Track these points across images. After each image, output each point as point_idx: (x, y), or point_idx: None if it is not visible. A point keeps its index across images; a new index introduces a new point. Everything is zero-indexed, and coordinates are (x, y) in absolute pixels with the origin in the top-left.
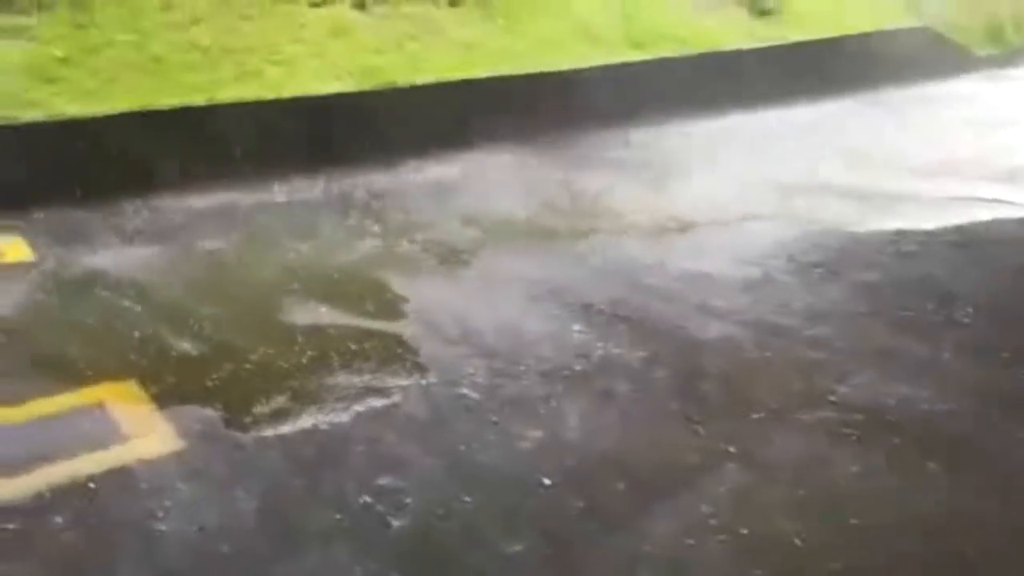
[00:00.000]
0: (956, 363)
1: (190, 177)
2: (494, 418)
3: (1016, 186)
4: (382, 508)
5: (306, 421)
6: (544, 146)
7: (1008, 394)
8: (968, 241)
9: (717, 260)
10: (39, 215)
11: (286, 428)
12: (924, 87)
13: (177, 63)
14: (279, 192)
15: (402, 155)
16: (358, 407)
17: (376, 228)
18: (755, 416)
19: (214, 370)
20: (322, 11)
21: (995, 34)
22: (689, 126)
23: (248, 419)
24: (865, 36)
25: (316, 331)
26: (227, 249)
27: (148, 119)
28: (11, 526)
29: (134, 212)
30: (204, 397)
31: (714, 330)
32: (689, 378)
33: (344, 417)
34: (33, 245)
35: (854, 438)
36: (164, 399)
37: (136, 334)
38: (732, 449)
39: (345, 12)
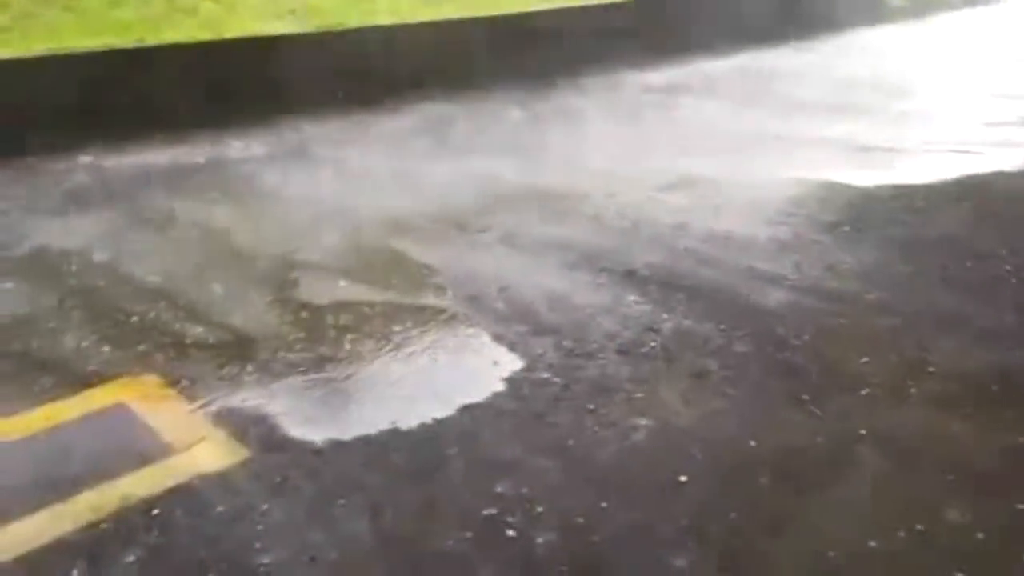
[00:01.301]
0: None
1: (123, 131)
2: (590, 405)
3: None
4: (514, 521)
5: (380, 419)
6: (513, 94)
7: None
8: (968, 195)
9: (737, 219)
10: None
11: (362, 429)
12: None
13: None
14: (230, 147)
15: (361, 103)
16: (432, 400)
17: (361, 186)
18: (864, 392)
19: (243, 359)
20: None
21: None
22: (652, 72)
23: (311, 419)
24: None
25: (344, 309)
26: (197, 213)
27: (68, 63)
28: (75, 572)
29: (66, 172)
30: (247, 392)
31: (775, 297)
32: (776, 352)
33: (423, 413)
34: None
35: (969, 410)
36: (197, 396)
37: (133, 319)
38: (862, 431)
39: None
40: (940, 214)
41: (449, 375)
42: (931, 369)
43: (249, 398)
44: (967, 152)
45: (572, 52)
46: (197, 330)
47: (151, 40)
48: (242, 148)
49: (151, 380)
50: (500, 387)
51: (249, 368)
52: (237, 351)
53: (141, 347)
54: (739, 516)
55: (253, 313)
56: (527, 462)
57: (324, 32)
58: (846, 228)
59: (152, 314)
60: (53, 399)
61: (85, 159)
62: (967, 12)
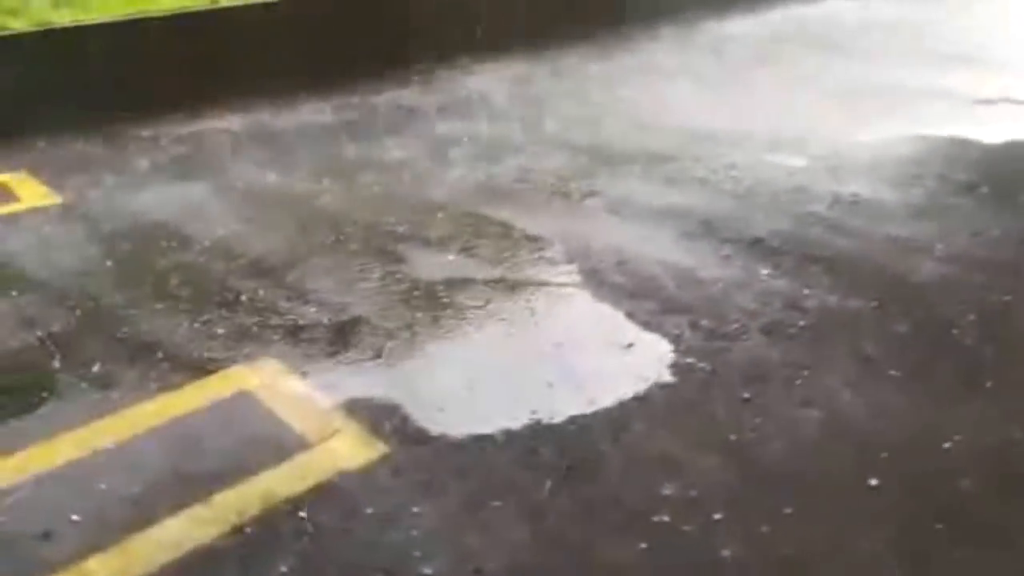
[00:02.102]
0: None
1: (206, 95)
2: (744, 394)
3: None
4: (691, 530)
5: (518, 410)
6: (592, 48)
7: None
8: None
9: (862, 181)
10: (38, 142)
11: (502, 421)
12: None
13: None
14: (310, 110)
15: (437, 62)
16: (571, 387)
17: (456, 152)
18: None
19: (360, 342)
20: None
21: None
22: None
23: (444, 409)
24: None
25: (459, 286)
26: (287, 182)
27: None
28: None
29: (151, 139)
30: (371, 379)
31: (925, 270)
32: (942, 333)
33: (564, 403)
34: (47, 182)
35: None
36: (321, 384)
37: (243, 297)
38: None
39: None
40: None
41: (584, 359)
42: None
43: (375, 385)
44: None
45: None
46: (309, 310)
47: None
48: (319, 111)
49: (271, 366)
50: (643, 372)
51: (369, 352)
52: (354, 334)
53: (254, 330)
54: (949, 529)
55: (364, 292)
56: (689, 459)
57: None
58: (984, 190)
59: (260, 293)
60: (171, 387)
61: (168, 127)
62: None
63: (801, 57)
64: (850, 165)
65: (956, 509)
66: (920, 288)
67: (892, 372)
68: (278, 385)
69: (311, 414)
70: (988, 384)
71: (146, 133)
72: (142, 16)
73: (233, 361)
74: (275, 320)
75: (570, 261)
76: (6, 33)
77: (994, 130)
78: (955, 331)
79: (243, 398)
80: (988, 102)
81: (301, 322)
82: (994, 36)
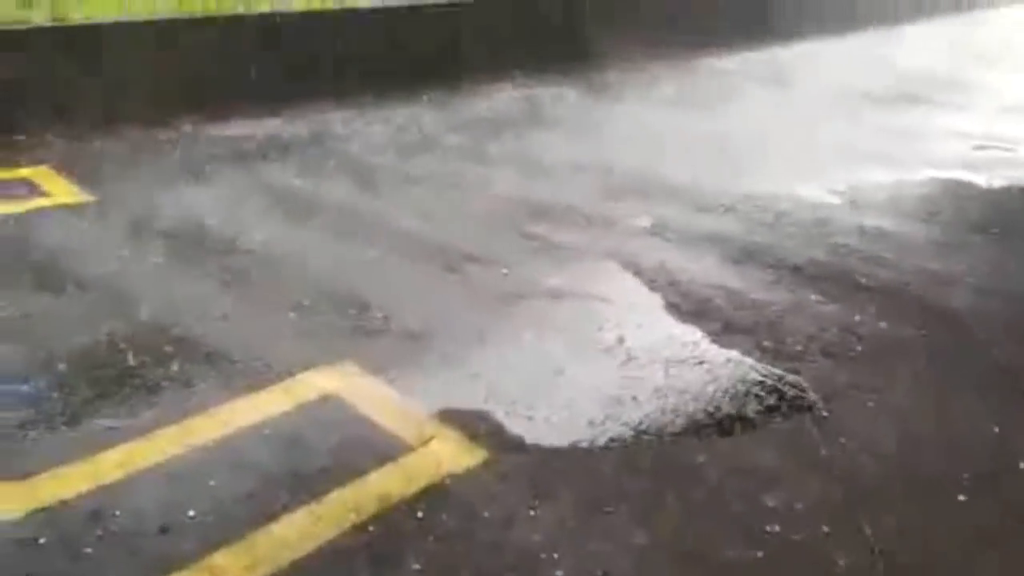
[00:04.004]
0: None
1: (231, 97)
2: (823, 413)
3: None
4: (803, 539)
5: (611, 421)
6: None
7: None
8: None
9: (881, 216)
10: (54, 139)
11: (596, 430)
12: None
13: None
14: (326, 120)
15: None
16: (656, 399)
17: (507, 172)
18: None
19: (438, 349)
20: None
21: None
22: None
23: (533, 417)
24: None
25: (515, 300)
26: (328, 186)
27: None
28: None
29: (178, 138)
30: (457, 386)
31: (960, 299)
32: (988, 358)
33: (654, 414)
34: (72, 178)
35: None
36: (406, 387)
37: (305, 302)
38: None
39: None
40: None
41: (665, 374)
42: None
43: (460, 392)
44: None
45: (636, 37)
46: (377, 316)
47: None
48: (341, 121)
49: (350, 369)
50: (720, 385)
51: (449, 358)
52: (427, 339)
53: (324, 333)
54: None
55: (430, 299)
56: (786, 472)
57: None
58: (995, 230)
59: (323, 297)
60: (254, 389)
61: (190, 127)
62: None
63: (787, 95)
64: (866, 201)
65: None
66: (959, 316)
67: (954, 393)
68: (362, 389)
69: (402, 417)
70: None
71: (169, 134)
72: (168, 16)
73: (311, 364)
74: (345, 324)
75: (609, 281)
76: (23, 26)
77: (992, 174)
78: (1000, 357)
79: (330, 401)
80: (982, 147)
81: (371, 327)
82: (979, 87)
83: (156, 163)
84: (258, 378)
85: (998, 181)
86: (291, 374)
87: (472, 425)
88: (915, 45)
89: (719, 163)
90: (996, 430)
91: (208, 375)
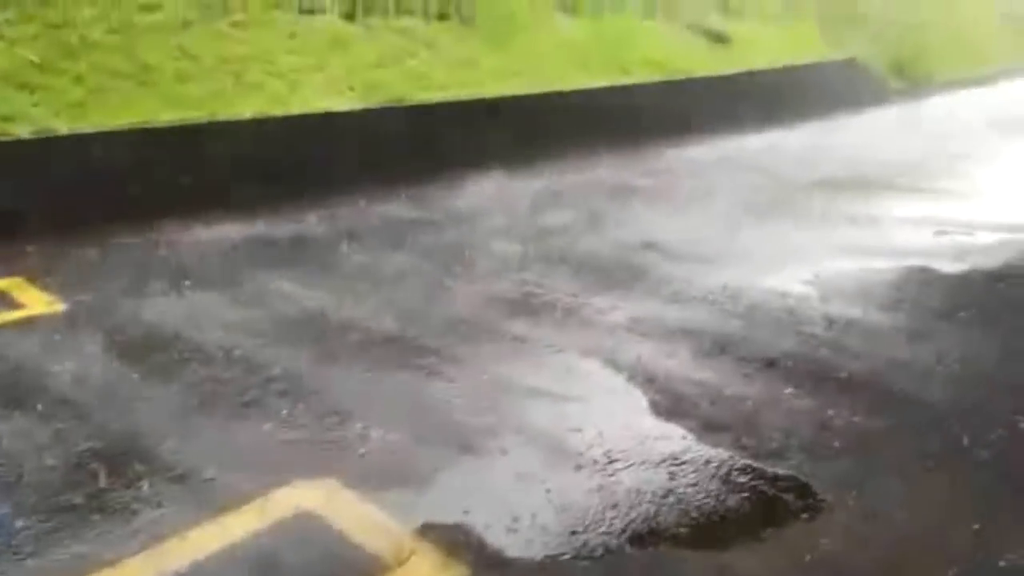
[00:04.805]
0: None
1: (207, 204)
2: (804, 515)
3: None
4: None
5: (590, 533)
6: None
7: None
8: None
9: (848, 305)
10: (29, 248)
11: (579, 542)
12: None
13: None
14: (313, 222)
15: (434, 179)
16: (638, 507)
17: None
18: None
19: (418, 461)
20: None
21: (903, 68)
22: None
23: (519, 530)
24: (798, 67)
25: (498, 401)
26: (314, 296)
27: (147, 136)
28: None
29: (152, 246)
30: (437, 499)
31: (937, 391)
32: (964, 451)
33: (639, 521)
34: (46, 288)
35: None
36: (385, 501)
37: (283, 412)
38: None
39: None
40: None
41: (638, 476)
42: None
43: (441, 505)
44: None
45: (593, 130)
46: (355, 427)
47: (223, 114)
48: (324, 220)
49: (326, 484)
50: (703, 490)
51: (428, 470)
52: (407, 451)
53: (302, 446)
54: None
55: (403, 408)
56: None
57: (386, 107)
58: (961, 315)
59: (298, 408)
60: (227, 508)
61: (170, 233)
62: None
63: (761, 186)
64: (833, 290)
65: None
66: (931, 407)
67: (936, 491)
68: (340, 504)
69: (382, 535)
70: None
71: (140, 240)
72: (139, 126)
73: (286, 480)
74: (321, 436)
75: (596, 377)
76: (7, 139)
77: (954, 259)
78: (977, 449)
79: (307, 518)
80: (943, 232)
81: (348, 437)
82: (935, 173)
83: (133, 269)
84: (232, 496)
85: (960, 266)
86: (266, 491)
87: (452, 540)
88: (861, 135)
89: (699, 259)
90: (976, 527)
91: (180, 496)
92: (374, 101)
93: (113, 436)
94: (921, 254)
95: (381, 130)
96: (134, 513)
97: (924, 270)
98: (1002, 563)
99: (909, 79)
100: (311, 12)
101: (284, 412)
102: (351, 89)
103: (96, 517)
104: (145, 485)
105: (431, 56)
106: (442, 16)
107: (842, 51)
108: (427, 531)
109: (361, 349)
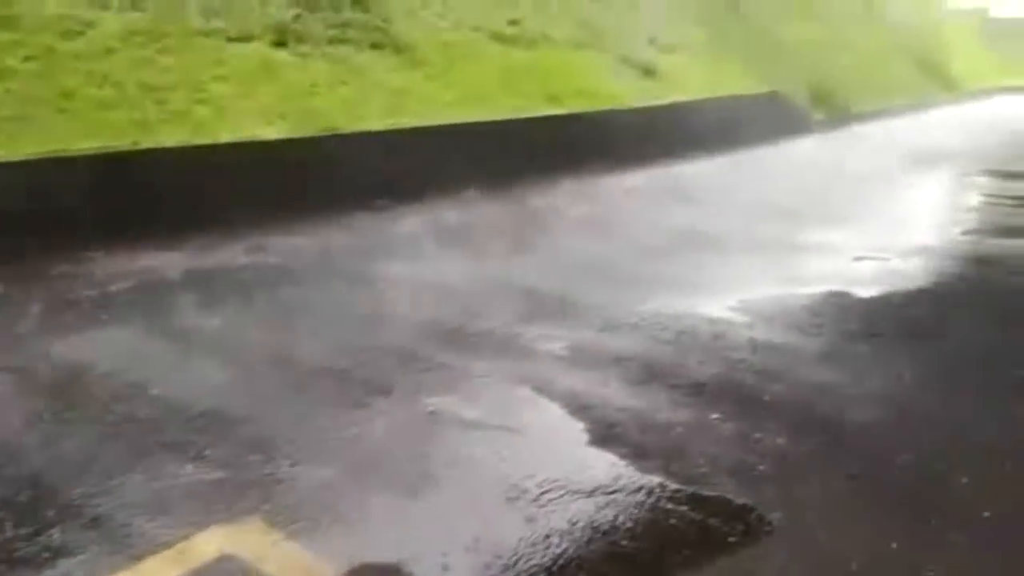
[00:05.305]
0: None
1: (129, 235)
2: (732, 539)
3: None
4: None
5: (520, 569)
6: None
7: None
8: (975, 300)
9: (772, 329)
10: None
11: (527, 572)
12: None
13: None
14: (241, 252)
15: (363, 206)
16: (568, 541)
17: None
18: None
19: (347, 500)
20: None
21: (826, 100)
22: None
23: (458, 566)
24: (725, 99)
25: (433, 435)
26: (234, 327)
27: (64, 166)
28: None
29: (72, 280)
30: (367, 540)
31: (860, 413)
32: (886, 472)
33: (577, 547)
34: None
35: None
36: (314, 542)
37: (207, 452)
38: None
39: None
40: (962, 321)
41: (570, 507)
42: None
43: (370, 541)
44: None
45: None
46: (283, 465)
47: (146, 143)
48: (255, 251)
49: (252, 525)
50: (631, 518)
51: (359, 510)
52: (337, 490)
53: (226, 487)
54: None
55: (333, 444)
56: None
57: (320, 137)
58: (878, 337)
59: (224, 447)
60: (144, 554)
61: (89, 265)
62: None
63: (682, 211)
64: (757, 315)
65: None
66: (853, 429)
67: (861, 511)
68: (265, 547)
69: None
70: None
71: (63, 271)
72: (54, 155)
73: (208, 522)
74: (247, 476)
75: (531, 408)
76: None
77: (871, 283)
78: (897, 470)
79: (230, 562)
80: (860, 258)
81: (276, 476)
82: (856, 200)
83: (42, 305)
84: (150, 542)
85: (877, 290)
86: (187, 535)
87: None
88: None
89: (628, 286)
90: (894, 545)
91: (94, 543)
92: (306, 130)
93: (21, 481)
94: (840, 279)
95: (308, 159)
96: (45, 563)
97: (843, 294)
98: None
99: (829, 111)
100: (240, 40)
101: (207, 451)
102: (281, 118)
103: (2, 568)
104: (56, 533)
105: (364, 85)
106: (376, 45)
107: (766, 85)
108: (358, 573)
109: (294, 379)
